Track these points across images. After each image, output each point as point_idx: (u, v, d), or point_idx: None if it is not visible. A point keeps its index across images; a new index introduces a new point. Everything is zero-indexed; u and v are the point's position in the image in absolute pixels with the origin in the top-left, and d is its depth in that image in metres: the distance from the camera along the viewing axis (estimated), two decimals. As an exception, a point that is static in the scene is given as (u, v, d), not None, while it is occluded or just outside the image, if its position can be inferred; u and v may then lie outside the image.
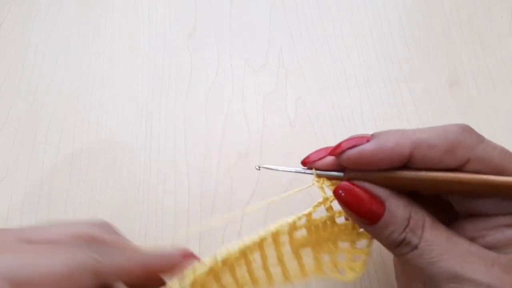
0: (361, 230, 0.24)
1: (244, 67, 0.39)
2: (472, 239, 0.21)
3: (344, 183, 0.21)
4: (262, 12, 0.42)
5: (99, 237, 0.21)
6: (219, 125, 0.37)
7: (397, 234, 0.20)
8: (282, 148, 0.36)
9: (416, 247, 0.20)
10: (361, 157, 0.20)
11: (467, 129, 0.20)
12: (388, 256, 0.30)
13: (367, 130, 0.36)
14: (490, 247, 0.20)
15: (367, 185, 0.21)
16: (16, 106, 0.38)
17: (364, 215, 0.21)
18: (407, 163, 0.20)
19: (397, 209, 0.20)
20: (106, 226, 0.23)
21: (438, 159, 0.20)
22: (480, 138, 0.20)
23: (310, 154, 0.23)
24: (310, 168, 0.23)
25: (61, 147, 0.36)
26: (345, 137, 0.22)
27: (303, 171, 0.23)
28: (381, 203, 0.20)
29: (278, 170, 0.23)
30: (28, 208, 0.34)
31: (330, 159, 0.23)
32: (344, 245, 0.25)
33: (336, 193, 0.21)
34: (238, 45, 0.40)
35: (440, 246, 0.20)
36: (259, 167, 0.24)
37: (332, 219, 0.23)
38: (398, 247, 0.20)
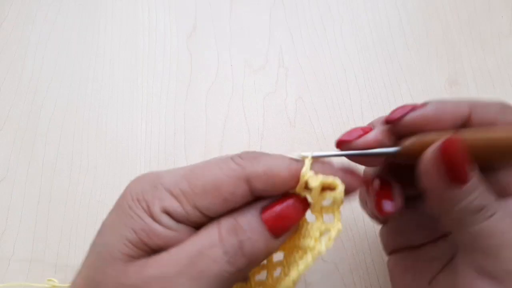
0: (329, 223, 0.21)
1: (244, 67, 0.39)
2: None
3: (451, 138, 0.20)
4: (262, 12, 0.42)
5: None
6: (219, 125, 0.37)
7: (480, 200, 0.20)
8: (282, 148, 0.36)
9: (493, 214, 0.19)
10: (424, 118, 0.21)
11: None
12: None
13: (367, 130, 0.36)
14: None
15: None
16: (16, 106, 0.38)
17: (459, 171, 0.20)
18: (466, 124, 0.21)
19: (481, 177, 0.20)
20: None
21: (493, 118, 0.21)
22: None
23: (345, 135, 0.22)
24: (349, 149, 0.22)
25: (61, 147, 0.36)
26: None
27: (370, 152, 0.22)
28: (470, 170, 0.20)
29: (330, 155, 0.22)
30: (28, 208, 0.34)
31: (372, 136, 0.22)
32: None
33: (445, 146, 0.20)
34: (238, 45, 0.40)
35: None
36: (311, 156, 0.21)
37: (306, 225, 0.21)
38: (478, 213, 0.20)
